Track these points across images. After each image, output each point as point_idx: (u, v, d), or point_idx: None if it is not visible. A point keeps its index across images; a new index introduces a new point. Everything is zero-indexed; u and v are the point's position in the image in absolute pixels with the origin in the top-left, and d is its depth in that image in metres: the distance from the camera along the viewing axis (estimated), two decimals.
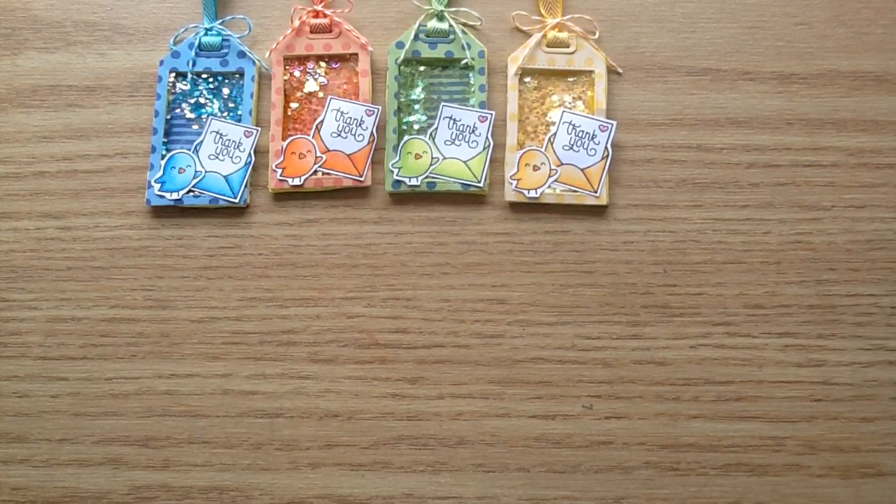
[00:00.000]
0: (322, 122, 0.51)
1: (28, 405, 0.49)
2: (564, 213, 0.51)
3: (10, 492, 0.48)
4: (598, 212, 0.51)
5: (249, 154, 0.51)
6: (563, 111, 0.51)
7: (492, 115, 0.51)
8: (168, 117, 0.52)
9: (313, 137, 0.51)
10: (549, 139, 0.51)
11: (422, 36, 0.53)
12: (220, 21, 0.54)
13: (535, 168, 0.51)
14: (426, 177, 0.51)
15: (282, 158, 0.51)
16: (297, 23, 0.53)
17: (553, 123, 0.52)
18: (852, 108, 0.52)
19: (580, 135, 0.51)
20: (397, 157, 0.51)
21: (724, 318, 0.49)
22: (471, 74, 0.52)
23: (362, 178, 0.51)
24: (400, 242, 0.50)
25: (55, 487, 0.48)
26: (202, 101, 0.53)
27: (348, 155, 0.51)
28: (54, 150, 0.52)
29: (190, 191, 0.51)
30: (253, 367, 0.49)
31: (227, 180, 0.51)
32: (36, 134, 0.53)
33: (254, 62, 0.53)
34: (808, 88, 0.52)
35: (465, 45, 0.52)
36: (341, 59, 0.53)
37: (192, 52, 0.53)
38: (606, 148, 0.51)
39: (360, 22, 0.54)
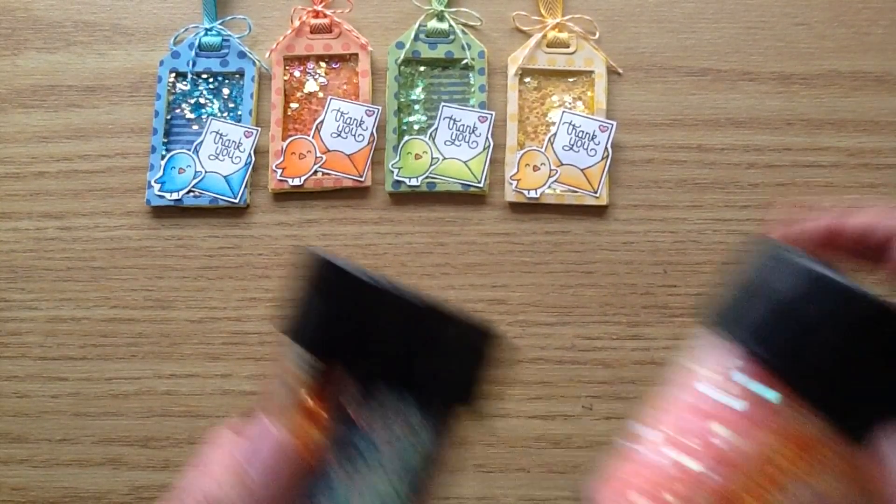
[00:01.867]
0: (322, 122, 0.51)
1: (28, 405, 0.49)
2: (564, 214, 0.51)
3: (10, 492, 0.48)
4: (598, 212, 0.51)
5: (249, 154, 0.51)
6: (563, 111, 0.51)
7: (492, 115, 0.51)
8: (168, 117, 0.52)
9: (313, 137, 0.51)
10: (549, 139, 0.51)
11: (422, 36, 0.53)
12: (220, 21, 0.54)
13: (535, 168, 0.51)
14: (426, 177, 0.51)
15: (282, 158, 0.51)
16: (297, 23, 0.53)
17: (553, 124, 0.52)
18: (852, 108, 0.52)
19: (580, 135, 0.51)
20: (397, 158, 0.51)
21: None
22: (471, 74, 0.52)
23: (362, 179, 0.51)
24: (400, 242, 0.50)
25: (55, 487, 0.48)
26: (202, 101, 0.53)
27: (348, 155, 0.51)
28: (54, 150, 0.52)
29: (190, 191, 0.51)
30: (253, 367, 0.49)
31: (227, 180, 0.51)
32: (36, 134, 0.53)
33: (254, 62, 0.53)
34: (808, 88, 0.52)
35: (465, 46, 0.52)
36: (341, 59, 0.53)
37: (192, 53, 0.53)
38: (606, 148, 0.51)
39: (360, 22, 0.54)
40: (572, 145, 0.51)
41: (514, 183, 0.50)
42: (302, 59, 0.53)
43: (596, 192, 0.50)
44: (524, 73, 0.52)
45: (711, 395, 0.23)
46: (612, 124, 0.51)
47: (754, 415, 0.22)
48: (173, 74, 0.53)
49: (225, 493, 0.26)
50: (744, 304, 0.23)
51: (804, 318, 0.22)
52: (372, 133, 0.51)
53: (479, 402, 0.29)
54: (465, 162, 0.51)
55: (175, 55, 0.53)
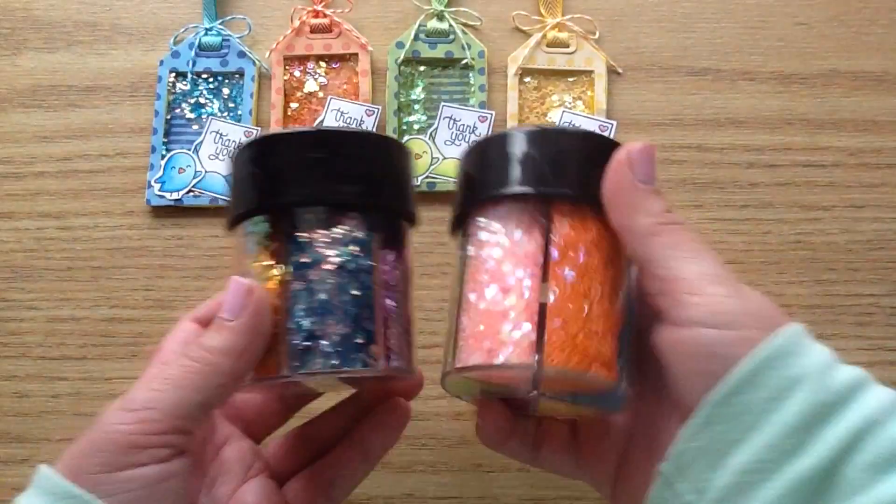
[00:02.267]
0: (322, 122, 0.51)
1: (28, 405, 0.49)
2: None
3: (11, 492, 0.48)
4: None
5: None
6: (563, 111, 0.51)
7: (492, 115, 0.51)
8: (168, 117, 0.52)
9: None
10: None
11: (422, 36, 0.53)
12: (220, 21, 0.54)
13: None
14: (426, 177, 0.51)
15: None
16: (297, 23, 0.53)
17: (553, 123, 0.52)
18: (852, 108, 0.52)
19: None
20: None
21: None
22: (471, 74, 0.52)
23: None
24: None
25: None
26: (202, 101, 0.53)
27: None
28: (54, 150, 0.52)
29: (190, 191, 0.51)
30: None
31: (227, 180, 0.51)
32: (36, 134, 0.53)
33: (254, 62, 0.53)
34: (808, 88, 0.52)
35: (465, 45, 0.52)
36: (341, 59, 0.53)
37: (192, 52, 0.53)
38: None
39: (360, 22, 0.54)
40: None
41: None
42: (302, 59, 0.53)
43: None
44: (524, 72, 0.52)
45: (495, 243, 0.32)
46: (612, 124, 0.51)
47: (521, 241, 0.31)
48: (173, 74, 0.53)
49: (208, 338, 0.31)
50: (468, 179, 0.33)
51: (496, 157, 0.32)
52: None
53: (409, 206, 0.34)
54: None
55: (175, 55, 0.53)
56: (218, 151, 0.51)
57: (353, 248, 0.32)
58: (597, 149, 0.31)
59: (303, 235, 0.32)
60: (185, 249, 0.51)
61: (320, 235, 0.32)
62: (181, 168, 0.51)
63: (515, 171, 0.31)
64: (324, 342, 0.31)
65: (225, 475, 0.36)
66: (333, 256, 0.32)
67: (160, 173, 0.51)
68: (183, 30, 0.54)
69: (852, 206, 0.50)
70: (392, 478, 0.47)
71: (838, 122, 0.51)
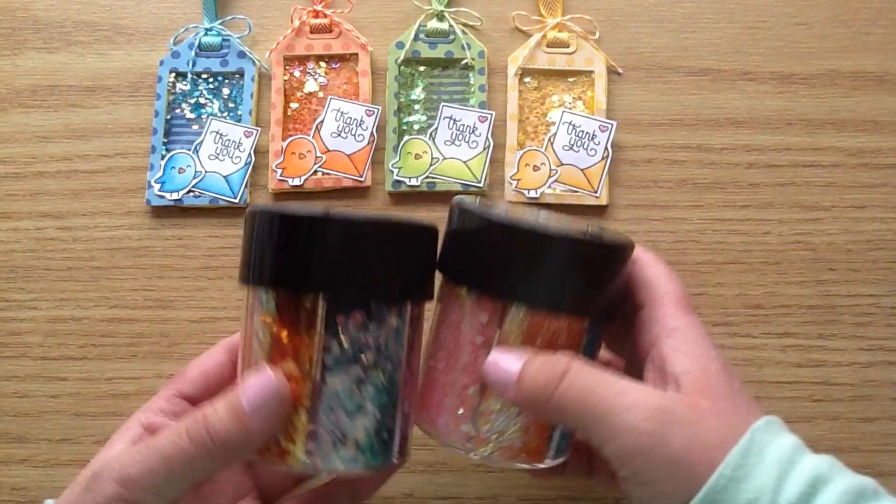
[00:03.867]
0: (322, 122, 0.51)
1: (28, 405, 0.49)
2: (564, 213, 0.51)
3: (10, 492, 0.48)
4: (598, 212, 0.51)
5: (249, 154, 0.51)
6: (563, 111, 0.51)
7: (492, 115, 0.51)
8: (168, 117, 0.52)
9: (313, 137, 0.51)
10: (549, 139, 0.51)
11: (422, 36, 0.53)
12: (220, 21, 0.54)
13: (535, 168, 0.51)
14: (426, 177, 0.51)
15: (282, 158, 0.51)
16: (297, 23, 0.53)
17: (553, 123, 0.52)
18: (852, 108, 0.52)
19: (580, 135, 0.51)
20: (397, 158, 0.51)
21: (724, 318, 0.49)
22: (471, 74, 0.52)
23: (362, 178, 0.51)
24: None
25: (55, 487, 0.48)
26: (202, 101, 0.53)
27: (348, 155, 0.51)
28: (54, 150, 0.52)
29: (190, 191, 0.51)
30: None
31: (227, 180, 0.51)
32: (36, 134, 0.53)
33: (254, 62, 0.53)
34: (808, 88, 0.52)
35: (465, 45, 0.52)
36: (341, 59, 0.53)
37: (192, 52, 0.53)
38: (606, 148, 0.51)
39: (360, 22, 0.54)
40: (572, 145, 0.51)
41: (514, 183, 0.50)
42: (302, 59, 0.53)
43: (596, 192, 0.50)
44: (524, 72, 0.52)
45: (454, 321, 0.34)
46: (612, 124, 0.51)
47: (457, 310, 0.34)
48: (173, 74, 0.53)
49: (223, 423, 0.30)
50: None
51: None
52: (372, 133, 0.51)
53: (432, 289, 0.35)
54: (465, 162, 0.51)
55: (175, 55, 0.53)
56: (218, 151, 0.51)
57: (386, 343, 0.32)
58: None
59: (342, 325, 0.31)
60: (185, 249, 0.51)
61: (358, 327, 0.31)
62: (181, 168, 0.51)
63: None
64: (349, 441, 0.31)
65: (215, 495, 0.36)
66: (368, 352, 0.31)
67: (160, 173, 0.51)
68: (183, 30, 0.54)
69: (852, 206, 0.50)
70: (392, 478, 0.47)
71: (838, 122, 0.51)
